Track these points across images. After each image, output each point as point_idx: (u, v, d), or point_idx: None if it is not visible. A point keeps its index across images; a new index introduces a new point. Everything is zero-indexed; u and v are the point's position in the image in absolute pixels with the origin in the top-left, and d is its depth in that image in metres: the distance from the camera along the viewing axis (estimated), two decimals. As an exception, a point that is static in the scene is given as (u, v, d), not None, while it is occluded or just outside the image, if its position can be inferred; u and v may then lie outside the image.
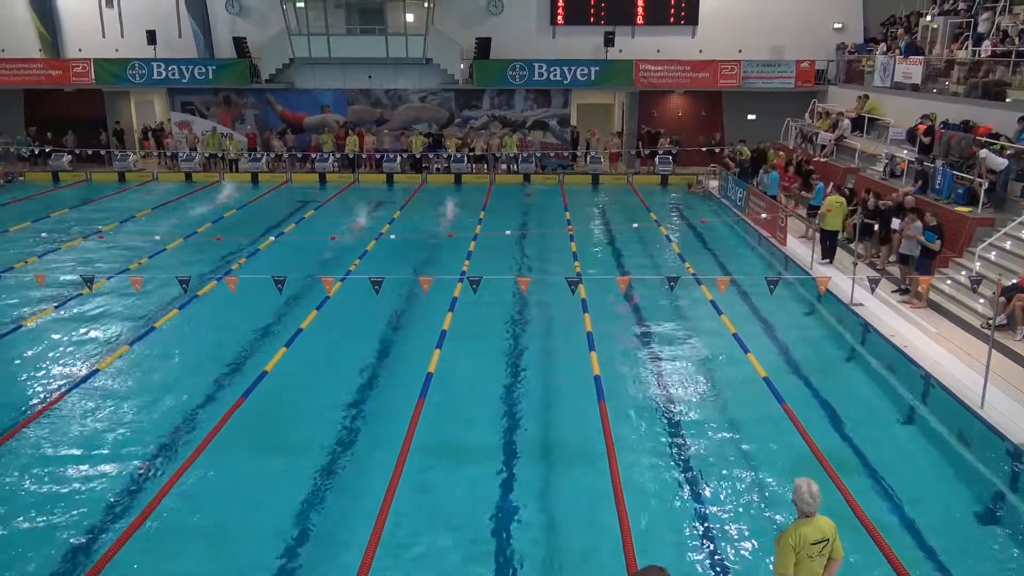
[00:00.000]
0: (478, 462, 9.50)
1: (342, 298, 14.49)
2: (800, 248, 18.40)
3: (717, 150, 28.84)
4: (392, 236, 20.23)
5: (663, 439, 10.06)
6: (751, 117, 30.75)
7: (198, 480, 8.87)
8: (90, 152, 29.75)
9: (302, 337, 13.13)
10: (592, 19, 31.04)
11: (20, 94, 31.62)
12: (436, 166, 30.02)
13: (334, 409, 10.77)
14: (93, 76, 30.30)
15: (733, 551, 7.83)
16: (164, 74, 30.42)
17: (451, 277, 15.55)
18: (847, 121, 23.87)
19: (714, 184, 27.26)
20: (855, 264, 14.79)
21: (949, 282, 14.23)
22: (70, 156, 29.60)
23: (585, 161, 30.62)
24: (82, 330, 13.86)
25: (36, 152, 29.75)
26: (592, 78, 30.10)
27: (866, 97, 24.14)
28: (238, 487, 8.96)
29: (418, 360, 12.09)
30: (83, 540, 7.92)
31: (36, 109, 32.03)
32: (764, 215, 20.13)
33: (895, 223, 15.26)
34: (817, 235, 17.66)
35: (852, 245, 16.21)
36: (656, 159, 29.74)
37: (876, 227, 16.06)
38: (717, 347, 13.07)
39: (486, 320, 14.26)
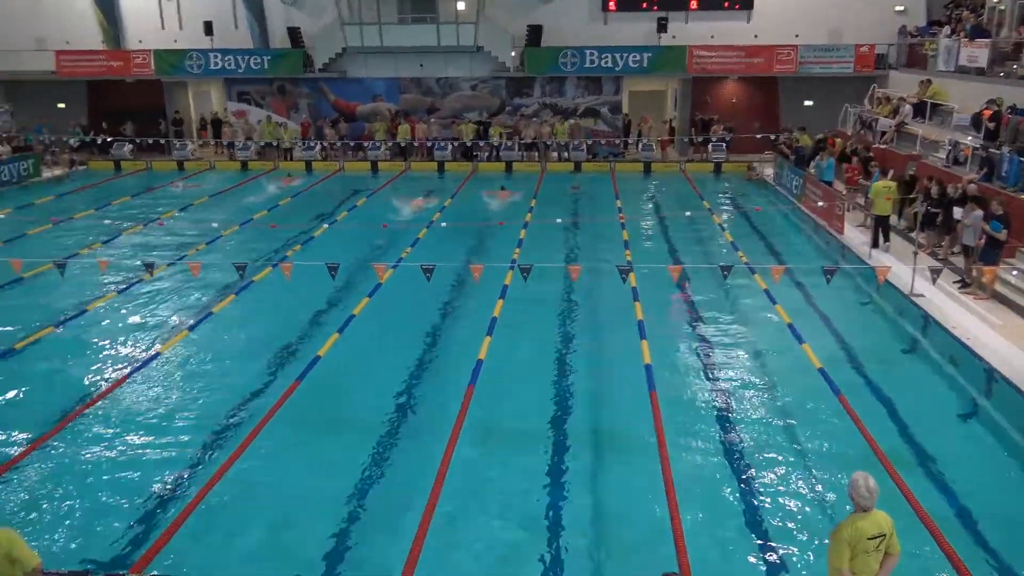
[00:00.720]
0: (527, 449, 9.52)
1: (394, 285, 14.63)
2: (858, 237, 17.99)
3: (773, 137, 28.31)
4: (443, 224, 20.33)
5: (715, 430, 9.95)
6: (808, 103, 30.09)
7: (254, 462, 9.05)
8: (150, 141, 30.48)
9: (354, 323, 13.30)
10: (644, 5, 30.69)
11: (84, 85, 32.50)
12: (485, 154, 30.01)
13: (386, 394, 10.89)
14: (153, 67, 31.01)
15: (786, 544, 7.71)
16: (220, 64, 30.98)
17: (502, 265, 15.57)
18: (908, 107, 23.19)
19: (769, 172, 26.78)
20: (916, 254, 14.39)
21: (1016, 273, 13.76)
22: (131, 145, 30.35)
23: (637, 149, 30.33)
24: (143, 315, 14.24)
25: (98, 142, 30.56)
26: (644, 65, 29.77)
27: (929, 82, 23.41)
28: (293, 469, 9.12)
29: (469, 347, 12.14)
30: (143, 520, 8.15)
31: (99, 100, 32.92)
32: (820, 203, 19.73)
33: (957, 212, 14.82)
34: (871, 222, 17.33)
35: (913, 235, 15.79)
36: (709, 146, 29.32)
37: (939, 216, 15.62)
38: (771, 337, 12.87)
39: (536, 308, 14.25)
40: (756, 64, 29.46)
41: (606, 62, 29.86)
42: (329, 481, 8.84)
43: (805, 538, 7.78)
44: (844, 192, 20.63)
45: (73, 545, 7.74)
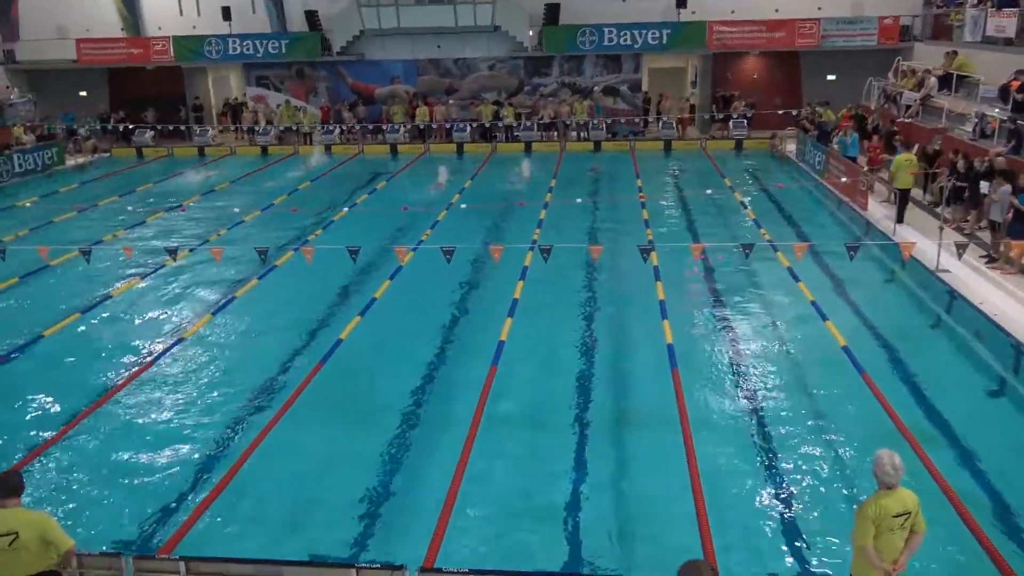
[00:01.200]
0: (550, 429, 9.53)
1: (414, 267, 14.66)
2: (882, 213, 17.76)
3: (795, 112, 27.95)
4: (463, 206, 20.31)
5: (738, 408, 9.90)
6: (831, 78, 29.67)
7: (279, 444, 9.13)
8: (171, 128, 30.66)
9: (376, 306, 13.35)
10: (663, -20, 30.30)
11: (105, 73, 32.71)
12: (503, 135, 29.88)
13: (407, 376, 10.94)
14: (172, 53, 31.14)
15: (810, 522, 7.68)
16: (239, 49, 31.04)
17: (522, 246, 15.54)
18: (934, 79, 22.77)
19: (792, 148, 26.47)
20: (941, 229, 14.19)
21: (1044, 247, 13.52)
22: (152, 132, 30.55)
23: (657, 127, 30.08)
24: (167, 300, 14.38)
25: (120, 129, 30.78)
26: (664, 42, 29.45)
27: (955, 53, 22.95)
28: (316, 451, 9.20)
29: (490, 328, 12.16)
30: (171, 501, 8.26)
31: (120, 87, 33.13)
32: (843, 178, 19.48)
33: (984, 186, 14.58)
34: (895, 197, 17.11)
35: (938, 209, 15.57)
36: (730, 123, 29.01)
37: (965, 191, 15.38)
38: (794, 315, 12.77)
39: (557, 289, 14.23)
40: (777, 39, 29.06)
41: (625, 39, 29.58)
42: (352, 463, 8.91)
43: (829, 516, 7.74)
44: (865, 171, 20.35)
45: (103, 527, 7.87)
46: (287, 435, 9.36)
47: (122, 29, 32.50)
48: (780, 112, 28.58)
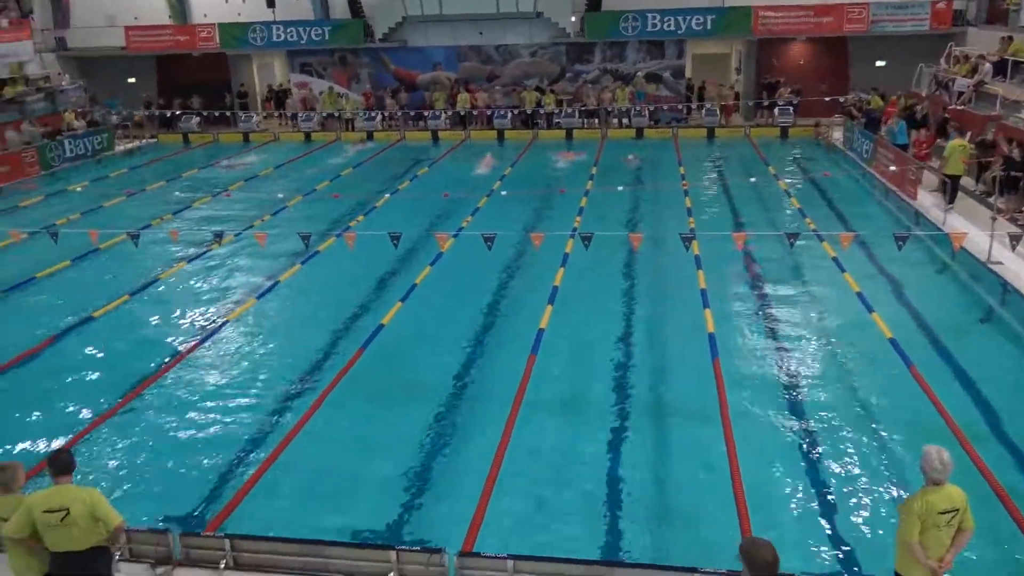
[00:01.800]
0: (588, 417, 9.53)
1: (455, 254, 14.70)
2: (931, 202, 17.36)
3: (842, 99, 27.39)
4: (504, 192, 20.30)
5: (780, 400, 9.79)
6: (880, 64, 28.98)
7: (321, 427, 9.26)
8: (216, 114, 31.09)
9: (417, 292, 13.43)
10: (708, -36, 29.83)
11: (152, 60, 33.23)
12: (544, 122, 29.75)
13: (448, 362, 11.00)
14: (218, 40, 31.50)
15: (853, 517, 7.58)
16: (283, 36, 31.29)
17: (563, 233, 15.50)
18: (988, 65, 22.11)
19: (838, 136, 25.97)
20: (994, 219, 13.82)
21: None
22: (198, 119, 31.00)
23: (700, 114, 29.71)
24: (212, 284, 14.63)
25: (167, 115, 31.29)
26: (708, 27, 29.03)
27: (1010, 38, 22.26)
28: (357, 433, 9.32)
29: (529, 316, 12.16)
30: (217, 480, 8.44)
31: (167, 74, 33.64)
32: (892, 167, 19.07)
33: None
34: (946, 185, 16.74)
35: (991, 199, 15.16)
36: (775, 110, 28.54)
37: (1020, 180, 14.96)
38: (839, 306, 12.56)
39: (598, 276, 14.18)
40: (825, 24, 28.45)
41: (668, 25, 29.22)
42: (393, 446, 9.00)
43: (872, 511, 7.63)
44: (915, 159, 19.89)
45: (151, 504, 8.06)
46: (330, 417, 9.48)
47: (169, 16, 32.95)
48: (827, 99, 28.03)
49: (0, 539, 5.95)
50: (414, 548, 6.58)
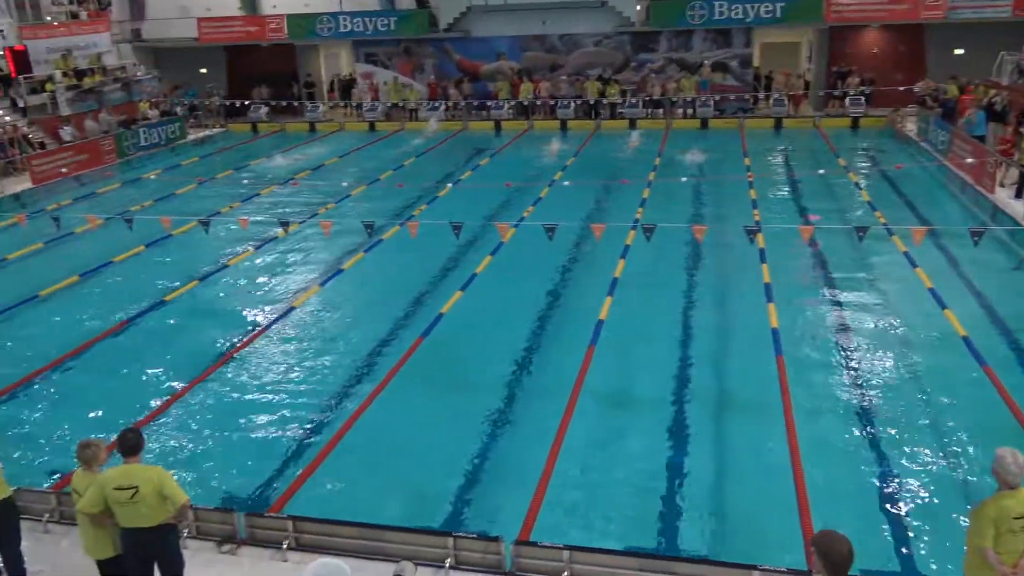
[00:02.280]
0: (648, 410, 9.46)
1: (516, 244, 14.72)
2: (1011, 196, 16.68)
3: (916, 89, 26.48)
4: (566, 183, 20.23)
5: (846, 398, 9.56)
6: (958, 52, 27.92)
7: (382, 413, 9.40)
8: (284, 104, 31.68)
9: (477, 281, 13.50)
10: (779, -50, 29.10)
11: (223, 51, 34.02)
12: (607, 112, 29.51)
13: (507, 352, 11.04)
14: (286, 31, 32.06)
15: (919, 520, 7.37)
16: (350, 27, 31.67)
17: (624, 224, 15.38)
18: (1075, 53, 21.14)
19: (912, 127, 25.14)
20: (1078, 214, 13.23)
21: None
22: (266, 108, 31.64)
23: (768, 104, 29.10)
24: (279, 270, 14.95)
25: (237, 105, 32.03)
26: (777, 15, 28.33)
27: (1100, 25, 21.23)
28: (417, 420, 9.43)
29: (589, 307, 12.11)
30: (281, 463, 8.65)
31: (237, 64, 34.41)
32: (969, 159, 18.38)
33: None
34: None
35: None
36: (846, 100, 27.75)
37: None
38: (910, 302, 12.19)
39: (659, 269, 14.04)
40: (900, 10, 27.49)
41: (736, 13, 28.61)
42: (451, 434, 9.09)
43: (941, 515, 7.41)
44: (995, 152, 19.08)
45: (217, 484, 8.31)
46: (390, 404, 9.61)
47: (240, 8, 33.68)
48: (901, 88, 27.15)
49: (73, 514, 6.20)
50: (471, 535, 6.64)
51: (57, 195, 21.44)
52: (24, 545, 6.58)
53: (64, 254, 16.19)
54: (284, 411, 9.75)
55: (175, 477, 5.97)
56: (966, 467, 8.13)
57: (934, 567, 6.77)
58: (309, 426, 9.39)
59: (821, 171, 20.30)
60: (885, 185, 19.54)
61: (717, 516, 7.60)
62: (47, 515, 7.34)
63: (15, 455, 8.89)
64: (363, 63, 33.26)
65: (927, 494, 7.74)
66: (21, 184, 22.09)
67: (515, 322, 12.05)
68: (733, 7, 28.47)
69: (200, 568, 6.64)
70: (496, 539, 6.49)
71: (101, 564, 6.08)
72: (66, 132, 25.54)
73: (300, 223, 17.01)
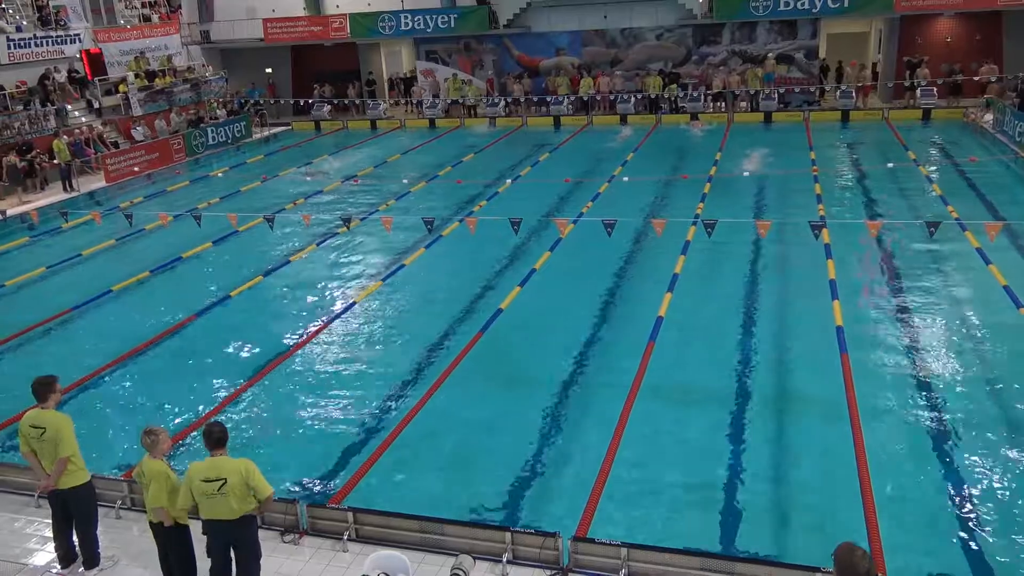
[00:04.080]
0: (708, 408, 9.33)
1: (575, 240, 14.67)
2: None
3: (993, 79, 25.50)
4: (625, 178, 20.07)
5: (914, 399, 9.28)
6: (1038, 39, 26.82)
7: (441, 408, 9.47)
8: (346, 102, 32.15)
9: (536, 277, 13.49)
10: (847, -62, 28.34)
11: (288, 51, 34.69)
12: (668, 106, 29.17)
13: (565, 347, 11.01)
14: (349, 30, 32.53)
15: (991, 527, 7.11)
16: (411, 25, 31.98)
17: (684, 220, 15.20)
18: None
19: (989, 118, 24.23)
20: None
21: None
22: (329, 106, 32.17)
23: (834, 96, 28.37)
24: (341, 266, 15.19)
25: (301, 103, 32.64)
26: (845, 4, 27.59)
27: None
28: (476, 415, 9.48)
29: (649, 303, 12.01)
30: (341, 456, 8.78)
31: (301, 64, 35.05)
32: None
33: None
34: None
35: None
36: (917, 92, 26.89)
37: None
38: (983, 301, 11.77)
39: (720, 265, 13.84)
40: (976, -2, 26.52)
41: (802, 4, 27.95)
42: (510, 429, 9.12)
43: (1012, 521, 7.13)
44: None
45: (281, 476, 8.46)
46: (449, 398, 9.68)
47: (304, 8, 34.29)
48: (976, 78, 26.17)
49: (143, 501, 6.39)
50: (529, 531, 6.65)
51: (129, 193, 22.19)
52: (98, 531, 6.84)
53: (136, 250, 16.76)
54: (346, 405, 9.90)
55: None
56: (1043, 472, 7.82)
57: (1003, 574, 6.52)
58: (370, 420, 9.52)
59: (890, 164, 19.72)
60: (958, 179, 18.89)
61: (780, 516, 7.46)
62: (119, 502, 7.61)
63: (88, 444, 9.20)
64: (424, 60, 33.54)
65: (998, 500, 7.46)
66: (96, 183, 22.92)
67: (574, 318, 12.02)
68: (799, -3, 27.83)
69: (263, 557, 6.78)
70: (554, 535, 6.49)
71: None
72: (138, 132, 26.38)
73: (362, 219, 17.26)
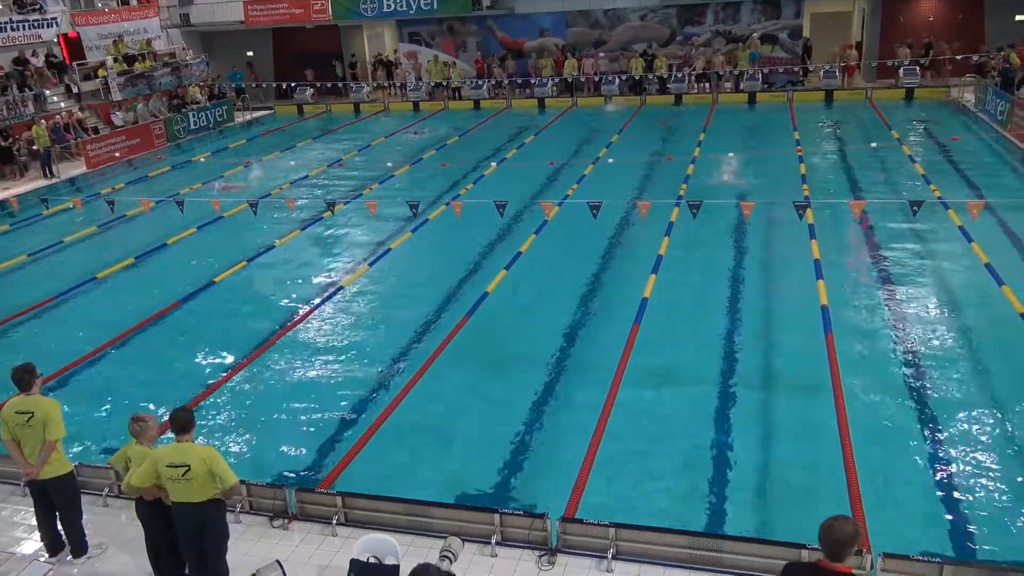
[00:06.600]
0: (693, 389, 9.38)
1: (560, 222, 14.67)
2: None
3: (975, 58, 25.59)
4: (610, 160, 20.06)
5: (898, 378, 9.36)
6: (1020, 18, 26.88)
7: (427, 392, 9.47)
8: (329, 85, 31.90)
9: (521, 260, 13.49)
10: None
11: (269, 33, 34.32)
12: (652, 87, 29.13)
13: (551, 330, 11.03)
14: (330, 12, 32.19)
15: (974, 506, 7.20)
16: (393, 6, 31.65)
17: (669, 201, 15.22)
18: None
19: (970, 97, 24.34)
20: None
21: None
22: (312, 90, 31.90)
23: (818, 76, 28.41)
24: (326, 250, 15.13)
25: (283, 87, 32.36)
26: (829, -17, 27.59)
27: None
28: (463, 398, 9.49)
29: (634, 285, 12.03)
30: (329, 441, 8.78)
31: (283, 47, 34.70)
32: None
33: None
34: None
35: None
36: (900, 71, 26.95)
37: None
38: (965, 279, 11.88)
39: (705, 246, 13.87)
40: (959, -24, 26.54)
41: (786, -18, 27.94)
42: (497, 412, 9.14)
43: (996, 497, 7.24)
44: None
45: (269, 461, 8.47)
46: (436, 382, 9.68)
47: (285, -11, 33.92)
48: (958, 57, 26.27)
49: (124, 488, 6.38)
50: (517, 512, 6.69)
51: (111, 179, 21.97)
52: (84, 519, 6.83)
53: (119, 236, 16.61)
54: (333, 389, 9.89)
55: (227, 454, 6.09)
56: (1022, 448, 7.92)
57: (987, 548, 6.62)
58: (358, 404, 9.51)
59: (873, 144, 19.80)
60: (941, 157, 19.00)
61: (765, 495, 7.53)
62: (106, 489, 7.59)
63: (72, 431, 9.15)
64: (407, 42, 33.28)
65: (981, 476, 7.55)
66: (76, 168, 22.67)
67: (559, 300, 12.03)
68: (783, -24, 27.78)
69: (252, 542, 6.81)
70: (542, 516, 6.53)
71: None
72: (118, 117, 26.08)
73: (346, 203, 17.17)
